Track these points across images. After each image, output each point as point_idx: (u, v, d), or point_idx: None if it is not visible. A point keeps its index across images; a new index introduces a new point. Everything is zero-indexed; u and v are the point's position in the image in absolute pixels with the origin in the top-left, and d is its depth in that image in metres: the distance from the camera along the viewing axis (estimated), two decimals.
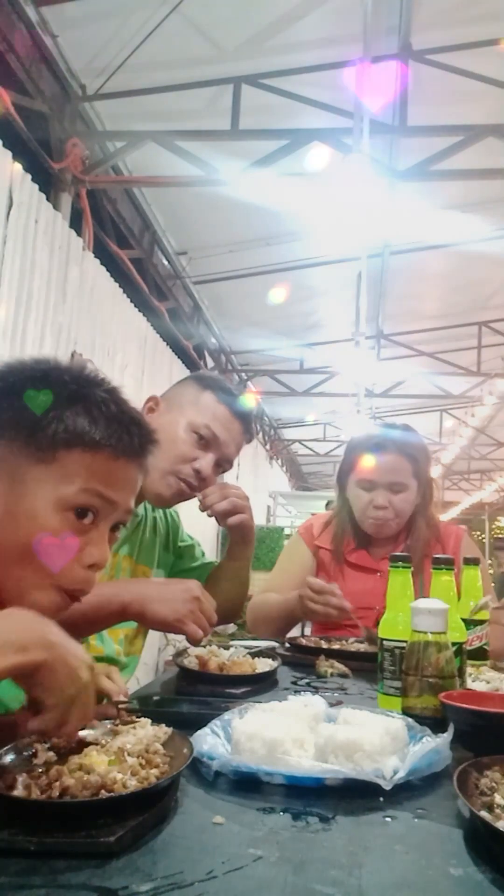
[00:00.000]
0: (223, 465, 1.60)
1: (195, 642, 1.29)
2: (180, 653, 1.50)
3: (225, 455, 1.58)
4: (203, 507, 1.56)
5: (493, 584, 1.85)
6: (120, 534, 1.00)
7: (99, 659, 1.46)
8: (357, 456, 2.06)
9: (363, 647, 1.74)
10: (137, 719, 0.95)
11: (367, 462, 2.03)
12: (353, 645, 1.77)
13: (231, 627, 1.59)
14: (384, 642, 1.27)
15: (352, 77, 3.95)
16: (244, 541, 1.67)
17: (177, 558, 1.78)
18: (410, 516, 2.06)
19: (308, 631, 2.15)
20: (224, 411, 1.57)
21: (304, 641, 1.82)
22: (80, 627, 1.24)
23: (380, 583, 1.92)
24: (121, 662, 1.53)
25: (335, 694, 1.37)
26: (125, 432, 0.94)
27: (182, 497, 1.56)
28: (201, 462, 1.53)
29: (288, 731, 0.90)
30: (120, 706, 1.01)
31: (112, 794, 0.73)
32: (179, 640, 3.76)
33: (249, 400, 1.68)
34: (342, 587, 1.96)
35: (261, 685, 1.36)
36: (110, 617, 1.26)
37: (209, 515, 1.57)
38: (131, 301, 5.01)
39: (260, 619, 2.04)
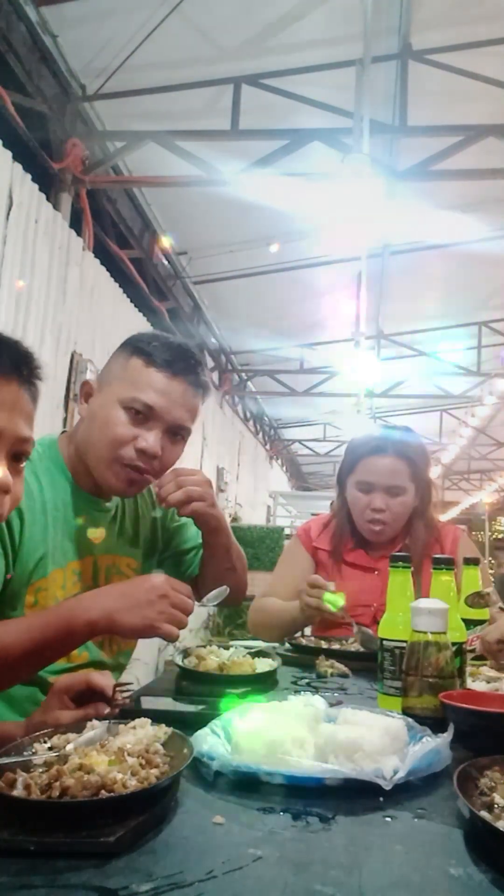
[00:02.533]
0: (178, 432, 1.39)
1: (173, 640, 1.19)
2: (180, 653, 1.50)
3: (173, 422, 1.36)
4: (159, 500, 1.41)
5: (492, 584, 1.85)
6: (24, 466, 0.95)
7: (85, 665, 1.42)
8: (356, 457, 2.06)
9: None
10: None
11: (366, 464, 2.03)
12: (353, 645, 1.77)
13: (215, 605, 1.44)
14: (384, 642, 1.27)
15: (352, 77, 3.96)
16: (209, 529, 1.53)
17: (165, 543, 1.66)
18: (409, 518, 2.07)
19: (308, 631, 2.15)
20: (156, 375, 1.34)
21: (304, 641, 1.82)
22: (46, 653, 1.14)
23: (377, 581, 1.93)
24: (109, 665, 1.50)
25: (335, 694, 1.37)
26: None
27: (137, 484, 1.39)
28: (143, 440, 1.32)
29: (288, 731, 0.89)
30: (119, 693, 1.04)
31: (112, 794, 0.73)
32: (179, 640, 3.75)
33: (192, 350, 1.43)
34: (340, 585, 1.97)
35: (261, 685, 1.36)
36: (78, 637, 1.15)
37: (166, 508, 1.44)
38: (131, 301, 5.01)
39: (260, 624, 2.05)
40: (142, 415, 1.33)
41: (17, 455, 0.94)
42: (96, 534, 1.44)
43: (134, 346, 1.37)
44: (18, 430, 0.92)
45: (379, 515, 2.00)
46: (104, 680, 1.07)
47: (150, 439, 1.33)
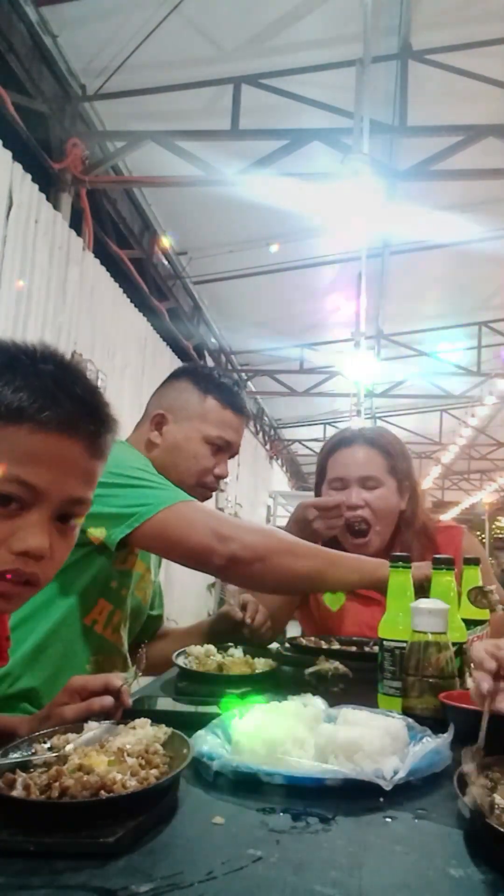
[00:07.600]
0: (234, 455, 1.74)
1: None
2: (180, 653, 1.50)
3: (235, 449, 1.70)
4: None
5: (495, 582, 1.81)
6: (77, 529, 0.91)
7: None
8: (324, 458, 1.92)
9: (367, 648, 1.72)
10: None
11: (335, 460, 1.88)
12: (353, 645, 1.77)
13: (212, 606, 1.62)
14: (384, 642, 1.27)
15: (352, 77, 3.96)
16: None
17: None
18: (397, 529, 1.86)
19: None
20: (230, 415, 1.66)
21: (304, 641, 1.82)
22: None
23: (376, 613, 1.57)
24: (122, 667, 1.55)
25: (335, 693, 1.37)
26: (52, 402, 0.82)
27: (208, 498, 1.70)
28: (221, 467, 1.66)
29: (288, 731, 0.89)
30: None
31: (112, 794, 0.72)
32: None
33: (239, 385, 1.76)
34: (339, 619, 1.85)
35: (261, 685, 1.36)
36: None
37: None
38: (131, 301, 5.01)
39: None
40: (220, 448, 1.65)
41: (66, 516, 0.87)
42: None
43: (204, 386, 1.65)
44: (68, 491, 0.85)
45: (357, 512, 1.79)
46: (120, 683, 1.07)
47: (225, 467, 1.67)
